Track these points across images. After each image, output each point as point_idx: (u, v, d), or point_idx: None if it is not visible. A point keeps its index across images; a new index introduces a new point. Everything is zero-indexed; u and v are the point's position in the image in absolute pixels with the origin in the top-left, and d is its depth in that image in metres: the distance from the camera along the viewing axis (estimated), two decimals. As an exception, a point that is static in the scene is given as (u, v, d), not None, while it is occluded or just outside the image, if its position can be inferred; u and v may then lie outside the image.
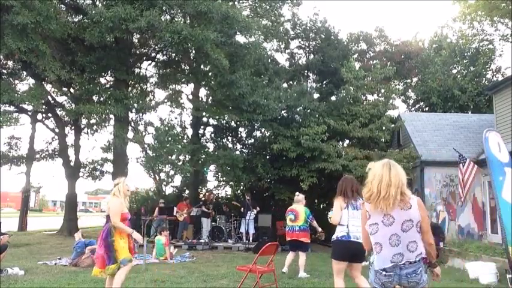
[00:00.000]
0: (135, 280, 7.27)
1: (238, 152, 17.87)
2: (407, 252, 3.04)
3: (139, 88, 17.72)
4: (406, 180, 3.13)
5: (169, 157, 14.58)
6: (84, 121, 17.91)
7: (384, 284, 3.09)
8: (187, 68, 16.88)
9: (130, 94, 15.52)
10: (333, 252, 5.24)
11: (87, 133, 18.68)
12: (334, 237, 5.17)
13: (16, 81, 16.69)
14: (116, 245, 5.17)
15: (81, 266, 8.62)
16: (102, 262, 5.21)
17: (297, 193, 8.75)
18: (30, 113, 18.20)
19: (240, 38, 15.68)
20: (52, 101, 17.71)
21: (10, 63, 15.99)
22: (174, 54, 16.72)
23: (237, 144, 19.88)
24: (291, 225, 8.22)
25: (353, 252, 5.00)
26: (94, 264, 5.59)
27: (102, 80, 17.46)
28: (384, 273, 3.07)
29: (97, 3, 14.95)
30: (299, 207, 8.31)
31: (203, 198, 16.36)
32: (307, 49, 23.14)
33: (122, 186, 5.41)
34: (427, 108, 22.84)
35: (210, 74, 15.96)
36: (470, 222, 13.94)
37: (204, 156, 16.58)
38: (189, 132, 18.73)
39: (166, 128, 15.60)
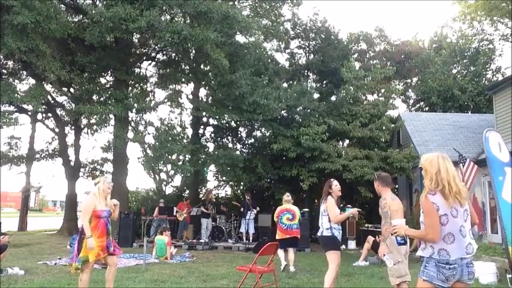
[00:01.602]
0: (135, 280, 7.27)
1: (238, 152, 17.87)
2: (472, 241, 3.13)
3: (139, 88, 17.70)
4: None
5: (170, 157, 14.58)
6: (84, 121, 17.91)
7: (448, 278, 3.05)
8: (187, 68, 16.87)
9: (131, 94, 15.51)
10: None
11: (87, 133, 18.68)
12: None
13: (16, 81, 16.68)
14: (84, 242, 5.23)
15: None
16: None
17: (287, 194, 9.26)
18: (30, 113, 18.20)
19: (240, 38, 15.69)
20: (52, 101, 17.71)
21: (10, 63, 15.99)
22: (174, 54, 16.72)
23: (237, 144, 19.89)
24: (289, 223, 8.63)
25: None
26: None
27: (102, 80, 17.45)
28: (447, 266, 3.04)
29: (97, 3, 14.94)
30: (293, 207, 8.86)
31: (203, 198, 16.36)
32: (307, 49, 23.14)
33: (102, 184, 5.44)
34: (427, 108, 22.84)
35: (210, 73, 15.96)
36: (470, 222, 13.93)
37: (204, 156, 16.57)
38: (189, 132, 18.75)
39: (167, 128, 15.60)
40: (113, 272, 5.54)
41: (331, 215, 5.60)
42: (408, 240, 3.88)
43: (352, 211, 5.82)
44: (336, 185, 5.78)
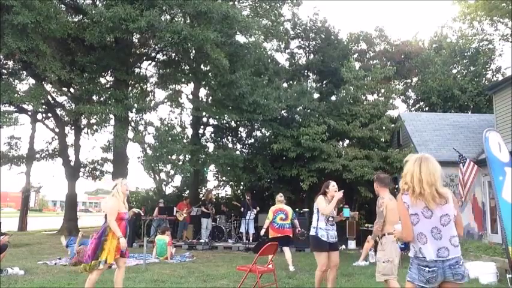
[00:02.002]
0: (135, 280, 7.27)
1: (238, 152, 17.87)
2: (451, 246, 3.08)
3: (139, 88, 17.71)
4: (441, 176, 3.18)
5: (170, 157, 14.58)
6: (84, 121, 17.92)
7: (429, 280, 3.06)
8: (187, 68, 16.88)
9: (131, 94, 15.52)
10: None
11: (87, 133, 18.69)
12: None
13: (16, 81, 16.69)
14: (106, 244, 5.27)
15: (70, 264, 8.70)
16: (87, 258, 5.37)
17: (280, 194, 9.59)
18: (30, 113, 18.20)
19: (240, 38, 15.70)
20: (52, 101, 17.71)
21: (10, 63, 15.99)
22: (174, 54, 16.72)
23: (237, 144, 19.89)
24: (282, 223, 8.92)
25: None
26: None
27: (102, 80, 17.46)
28: (427, 269, 3.05)
29: (97, 3, 14.95)
30: (286, 207, 9.19)
31: (203, 198, 16.37)
32: (307, 49, 23.13)
33: (120, 187, 5.52)
34: (427, 108, 22.83)
35: (210, 73, 15.96)
36: (470, 222, 13.93)
37: (204, 156, 16.57)
38: (189, 132, 18.74)
39: (167, 128, 15.59)
40: (122, 273, 5.57)
41: (320, 208, 5.68)
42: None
43: (339, 195, 5.69)
44: (333, 185, 5.83)
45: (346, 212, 5.82)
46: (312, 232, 5.72)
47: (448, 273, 3.04)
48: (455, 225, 3.16)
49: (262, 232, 10.73)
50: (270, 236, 8.97)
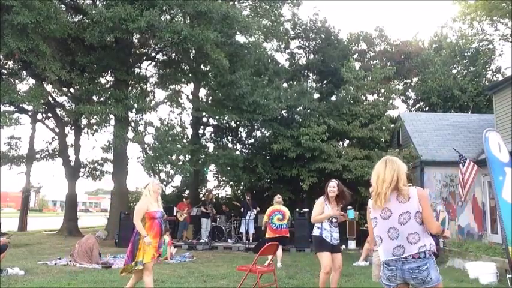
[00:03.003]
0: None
1: (238, 152, 17.87)
2: (408, 244, 3.03)
3: (139, 88, 17.70)
4: (406, 175, 3.14)
5: (169, 157, 14.58)
6: (84, 121, 17.90)
7: (389, 279, 3.11)
8: (187, 68, 16.88)
9: (130, 94, 15.51)
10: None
11: (87, 133, 18.67)
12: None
13: (16, 81, 16.68)
14: (140, 243, 5.26)
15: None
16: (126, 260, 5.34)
17: (278, 195, 9.80)
18: (30, 113, 18.19)
19: (240, 38, 15.70)
20: (52, 101, 17.70)
21: (10, 63, 15.99)
22: (174, 54, 16.72)
23: (237, 144, 19.90)
24: (279, 223, 9.12)
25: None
26: None
27: (102, 80, 17.46)
28: (387, 267, 3.11)
29: (97, 3, 14.94)
30: (284, 208, 9.37)
31: (203, 198, 16.38)
32: (307, 49, 23.14)
33: (152, 186, 5.52)
34: (427, 108, 22.83)
35: (210, 74, 15.96)
36: (470, 222, 13.94)
37: (204, 156, 16.58)
38: (189, 132, 18.75)
39: (166, 128, 15.59)
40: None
41: (312, 213, 5.75)
42: None
43: (331, 212, 5.63)
44: (329, 186, 5.79)
45: (351, 214, 5.69)
46: (316, 232, 5.66)
47: (407, 277, 3.03)
48: (425, 221, 3.05)
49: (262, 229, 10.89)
50: (267, 236, 9.13)
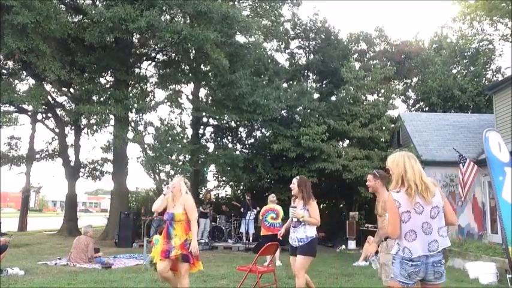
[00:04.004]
0: (135, 280, 7.27)
1: (238, 152, 17.86)
2: (440, 238, 3.11)
3: (139, 88, 17.70)
4: None
5: (169, 157, 14.58)
6: (84, 121, 17.91)
7: (410, 275, 3.07)
8: (187, 68, 16.88)
9: (130, 94, 15.52)
10: (314, 249, 5.36)
11: (87, 133, 18.67)
12: (312, 234, 5.29)
13: (16, 81, 16.68)
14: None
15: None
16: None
17: (272, 194, 10.03)
18: (30, 113, 18.20)
19: (240, 38, 15.69)
20: (52, 101, 17.71)
21: (10, 63, 16.00)
22: (174, 54, 16.72)
23: (237, 144, 19.89)
24: (272, 222, 9.38)
25: None
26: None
27: (102, 80, 17.46)
28: (410, 263, 3.06)
29: (97, 3, 14.94)
30: (277, 206, 9.62)
31: (202, 198, 16.37)
32: (307, 49, 23.13)
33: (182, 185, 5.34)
34: (427, 108, 22.82)
35: (210, 74, 15.96)
36: (470, 222, 13.93)
37: (204, 156, 16.57)
38: (189, 132, 18.72)
39: (166, 128, 15.59)
40: (183, 280, 5.04)
41: None
42: None
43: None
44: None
45: (291, 213, 5.35)
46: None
47: (429, 271, 3.05)
48: (447, 213, 3.20)
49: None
50: (261, 234, 9.49)
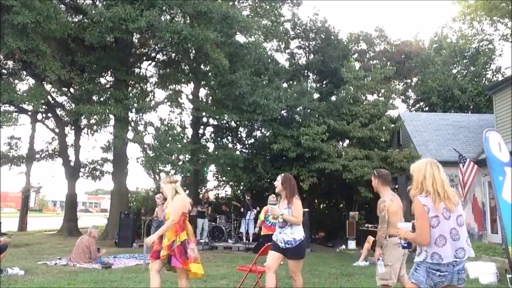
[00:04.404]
0: (135, 280, 7.27)
1: (238, 152, 17.87)
2: (467, 246, 3.12)
3: (139, 88, 17.71)
4: None
5: (169, 157, 14.59)
6: (84, 121, 17.92)
7: (436, 285, 3.04)
8: (187, 68, 16.88)
9: (130, 94, 15.52)
10: (303, 252, 5.17)
11: (87, 133, 18.68)
12: (300, 237, 5.08)
13: (16, 81, 16.68)
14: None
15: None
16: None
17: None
18: (30, 113, 18.20)
19: (240, 38, 15.69)
20: (52, 101, 17.71)
21: (10, 63, 16.00)
22: (174, 54, 16.71)
23: (237, 144, 19.89)
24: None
25: None
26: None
27: (102, 80, 17.46)
28: (438, 273, 3.02)
29: (97, 3, 14.94)
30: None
31: (200, 198, 16.39)
32: (307, 49, 23.14)
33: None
34: (427, 108, 22.83)
35: (210, 73, 15.96)
36: (470, 222, 13.93)
37: (204, 156, 16.57)
38: (189, 132, 18.75)
39: (166, 128, 15.60)
40: (183, 282, 5.00)
41: None
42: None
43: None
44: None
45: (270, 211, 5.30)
46: None
47: (454, 278, 3.05)
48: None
49: (256, 230, 11.48)
50: (262, 233, 9.64)
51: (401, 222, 3.68)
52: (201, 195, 18.32)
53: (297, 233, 5.04)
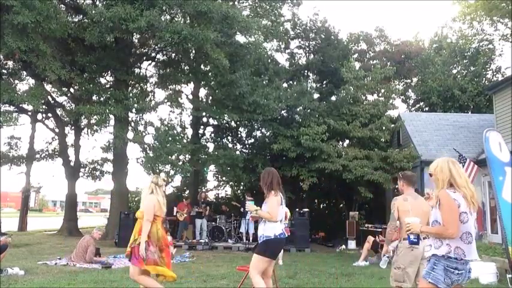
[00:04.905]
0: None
1: (238, 152, 17.87)
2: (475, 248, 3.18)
3: (139, 88, 17.70)
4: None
5: (169, 157, 14.59)
6: (84, 121, 17.91)
7: (452, 283, 3.04)
8: (187, 68, 16.88)
9: (130, 94, 15.51)
10: (266, 250, 4.70)
11: (87, 133, 18.67)
12: (268, 234, 4.74)
13: (16, 81, 16.68)
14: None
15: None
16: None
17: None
18: (30, 113, 18.19)
19: (240, 38, 15.70)
20: (52, 101, 17.70)
21: (10, 63, 16.00)
22: (174, 54, 16.71)
23: (237, 144, 19.90)
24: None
25: (279, 250, 5.02)
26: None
27: (102, 80, 17.45)
28: (456, 271, 3.02)
29: (97, 3, 14.94)
30: (285, 207, 9.43)
31: (198, 199, 16.39)
32: (307, 49, 23.14)
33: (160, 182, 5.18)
34: (427, 108, 22.84)
35: (210, 73, 15.97)
36: (470, 222, 13.91)
37: (204, 156, 16.57)
38: (189, 132, 18.75)
39: (166, 128, 15.60)
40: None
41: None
42: (422, 240, 3.77)
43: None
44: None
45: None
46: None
47: (466, 277, 3.08)
48: None
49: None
50: None
51: (408, 217, 3.61)
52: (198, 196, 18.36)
53: (269, 230, 4.75)
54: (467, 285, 3.06)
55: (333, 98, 19.90)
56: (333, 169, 14.60)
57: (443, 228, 3.06)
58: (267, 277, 4.84)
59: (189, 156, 15.89)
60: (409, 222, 3.40)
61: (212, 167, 19.48)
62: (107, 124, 15.73)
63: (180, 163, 15.68)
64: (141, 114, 16.36)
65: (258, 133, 19.19)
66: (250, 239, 13.94)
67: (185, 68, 17.07)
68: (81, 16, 15.58)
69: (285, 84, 19.73)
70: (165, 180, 5.34)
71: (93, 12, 12.68)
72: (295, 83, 19.76)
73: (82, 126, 18.56)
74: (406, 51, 24.16)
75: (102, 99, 15.03)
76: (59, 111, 18.35)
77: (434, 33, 27.91)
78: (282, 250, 9.36)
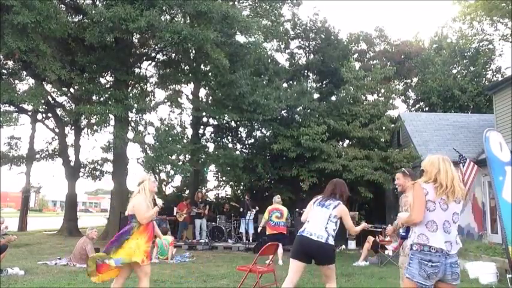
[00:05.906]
0: (135, 280, 7.26)
1: (238, 152, 17.88)
2: (454, 243, 3.17)
3: (139, 88, 17.70)
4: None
5: (170, 157, 14.59)
6: (84, 121, 17.90)
7: (429, 276, 3.07)
8: (187, 68, 16.88)
9: (131, 94, 15.51)
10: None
11: (87, 133, 18.67)
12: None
13: (16, 81, 16.67)
14: (126, 243, 4.81)
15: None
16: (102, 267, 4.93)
17: (278, 196, 10.42)
18: (30, 113, 18.19)
19: (240, 38, 15.69)
20: (52, 101, 17.70)
21: (10, 63, 15.99)
22: (174, 54, 16.71)
23: (237, 144, 19.90)
24: (277, 221, 9.67)
25: (306, 249, 4.58)
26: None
27: (102, 80, 17.44)
28: (430, 264, 3.06)
29: (97, 3, 14.93)
30: (282, 207, 9.93)
31: (195, 199, 16.40)
32: (307, 49, 23.14)
33: (148, 184, 4.95)
34: (427, 108, 22.85)
35: (210, 73, 15.96)
36: (470, 222, 13.92)
37: (204, 156, 16.58)
38: (189, 132, 18.75)
39: (167, 128, 15.59)
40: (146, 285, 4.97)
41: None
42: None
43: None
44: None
45: None
46: (331, 241, 4.63)
47: (448, 271, 3.08)
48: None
49: (259, 230, 11.69)
50: (267, 233, 9.80)
51: (402, 213, 3.76)
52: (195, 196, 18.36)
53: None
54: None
55: (333, 98, 19.91)
56: (333, 169, 14.60)
57: (409, 215, 3.30)
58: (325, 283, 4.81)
59: (189, 156, 15.89)
60: (399, 216, 3.59)
61: (212, 167, 19.50)
62: (107, 124, 15.72)
63: (180, 163, 15.68)
64: (141, 114, 16.36)
65: (258, 133, 19.21)
66: (250, 239, 13.95)
67: (185, 68, 17.06)
68: (81, 16, 15.57)
69: (285, 84, 19.73)
70: (155, 182, 5.23)
71: (93, 12, 12.67)
72: (295, 83, 19.77)
73: (82, 126, 18.56)
74: (406, 51, 24.17)
75: (102, 99, 15.02)
76: (59, 111, 18.35)
77: (434, 33, 27.95)
78: (282, 249, 9.42)
